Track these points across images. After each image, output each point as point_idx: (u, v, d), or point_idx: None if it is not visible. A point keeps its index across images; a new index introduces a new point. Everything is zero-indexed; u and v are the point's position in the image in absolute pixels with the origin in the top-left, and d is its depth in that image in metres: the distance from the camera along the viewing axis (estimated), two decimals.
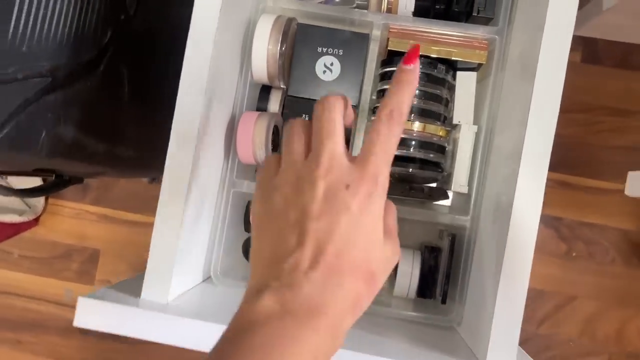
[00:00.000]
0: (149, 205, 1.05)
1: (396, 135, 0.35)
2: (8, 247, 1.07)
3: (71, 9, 0.55)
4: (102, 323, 0.46)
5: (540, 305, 1.00)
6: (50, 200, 1.07)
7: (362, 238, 0.33)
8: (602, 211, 1.00)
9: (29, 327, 1.07)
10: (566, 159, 1.01)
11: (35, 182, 0.99)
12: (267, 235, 0.35)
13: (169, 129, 0.51)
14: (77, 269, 1.07)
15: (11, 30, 0.48)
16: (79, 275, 1.07)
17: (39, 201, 1.05)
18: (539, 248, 0.99)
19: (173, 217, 0.51)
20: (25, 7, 0.49)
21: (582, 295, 1.00)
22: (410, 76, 0.35)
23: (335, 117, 0.36)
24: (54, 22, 0.53)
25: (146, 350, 1.05)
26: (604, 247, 1.00)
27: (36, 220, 1.06)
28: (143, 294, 0.50)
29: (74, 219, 1.07)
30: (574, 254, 1.00)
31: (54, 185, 0.73)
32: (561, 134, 1.04)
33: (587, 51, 1.00)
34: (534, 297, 1.00)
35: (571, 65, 1.09)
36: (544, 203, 1.03)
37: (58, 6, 0.53)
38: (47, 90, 0.54)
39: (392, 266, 0.36)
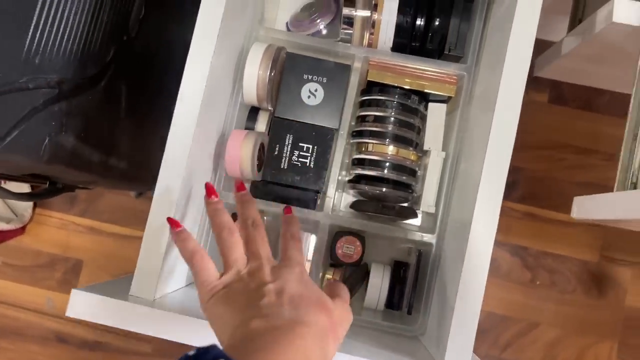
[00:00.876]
0: (135, 219, 1.08)
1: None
2: None
3: (80, 27, 0.60)
4: (93, 314, 0.50)
5: (504, 331, 1.05)
6: (38, 210, 1.10)
7: (310, 289, 0.43)
8: (565, 242, 1.06)
9: (6, 334, 1.08)
10: (533, 192, 1.07)
11: (24, 189, 1.03)
12: (234, 305, 0.42)
13: (159, 145, 0.55)
14: (59, 279, 1.09)
15: (27, 44, 0.52)
16: (61, 285, 1.09)
17: (27, 210, 1.08)
18: (505, 275, 1.06)
19: (160, 234, 0.55)
20: (41, 23, 0.54)
21: (544, 322, 1.05)
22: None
23: (259, 223, 0.49)
24: (65, 38, 0.58)
25: None
26: (566, 276, 1.06)
27: (22, 229, 1.09)
28: (131, 291, 0.54)
29: (60, 229, 1.10)
30: (537, 282, 1.05)
31: (48, 192, 0.77)
32: (529, 168, 1.11)
33: (554, 93, 1.08)
34: (499, 322, 1.05)
35: (539, 106, 1.17)
36: (511, 232, 1.09)
37: (70, 24, 0.58)
38: (53, 101, 0.59)
39: (348, 323, 0.45)
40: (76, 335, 1.08)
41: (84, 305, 0.50)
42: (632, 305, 1.05)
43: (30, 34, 0.53)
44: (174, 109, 0.69)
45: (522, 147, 1.07)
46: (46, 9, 0.54)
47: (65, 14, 0.57)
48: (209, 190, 0.50)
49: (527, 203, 1.07)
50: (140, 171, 0.90)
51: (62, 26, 0.57)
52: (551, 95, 1.08)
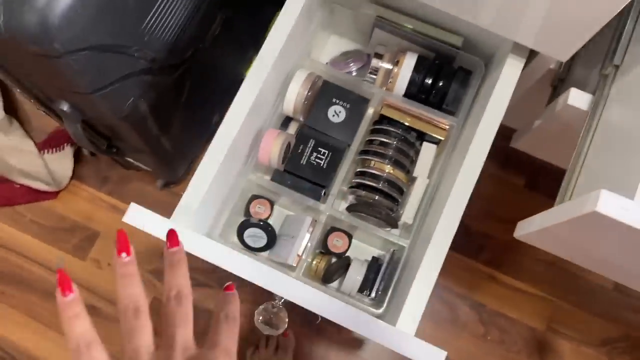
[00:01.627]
0: (154, 207, 1.23)
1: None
2: (23, 211, 1.24)
3: (178, 24, 0.79)
4: (141, 224, 0.66)
5: None
6: (73, 182, 1.26)
7: None
8: (518, 307, 1.21)
9: (16, 282, 1.21)
10: (499, 258, 1.23)
11: (68, 158, 1.21)
12: None
13: (197, 142, 0.70)
14: (75, 244, 1.23)
15: (145, 23, 0.72)
16: (75, 249, 1.22)
17: (65, 178, 1.24)
18: (462, 326, 1.20)
19: (203, 182, 0.72)
20: (157, 12, 0.73)
21: None
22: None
23: (186, 295, 0.38)
24: (167, 28, 0.77)
25: (117, 330, 1.19)
26: (514, 338, 1.19)
27: (56, 194, 1.24)
28: (172, 218, 0.70)
29: (88, 202, 1.25)
30: (488, 337, 1.19)
31: (105, 151, 0.94)
32: (499, 238, 1.28)
33: (529, 177, 1.27)
34: None
35: (516, 188, 1.35)
36: (474, 289, 1.23)
37: (173, 19, 0.77)
38: (145, 72, 0.77)
39: None
40: None
41: (137, 216, 0.66)
42: None
43: (149, 16, 0.72)
44: (214, 120, 0.86)
45: (496, 219, 1.25)
46: (163, 3, 0.74)
47: (172, 13, 0.77)
48: (121, 243, 0.38)
49: (492, 267, 1.23)
50: (179, 158, 1.07)
51: (168, 19, 0.77)
52: (527, 180, 1.27)
